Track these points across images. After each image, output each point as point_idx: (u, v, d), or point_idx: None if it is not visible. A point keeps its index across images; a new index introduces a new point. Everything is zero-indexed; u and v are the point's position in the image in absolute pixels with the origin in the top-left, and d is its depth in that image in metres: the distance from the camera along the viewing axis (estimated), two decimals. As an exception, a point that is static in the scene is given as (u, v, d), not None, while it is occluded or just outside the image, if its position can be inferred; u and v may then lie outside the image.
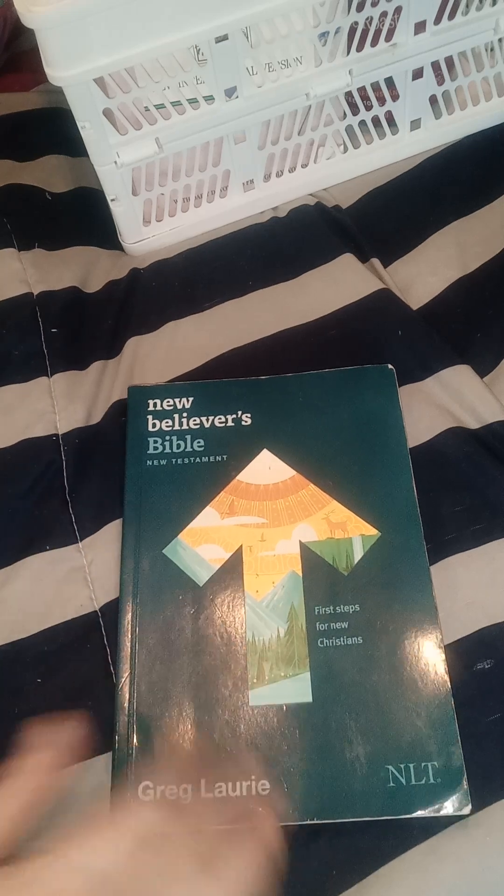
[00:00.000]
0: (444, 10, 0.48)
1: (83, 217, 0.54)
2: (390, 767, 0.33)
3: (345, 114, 0.52)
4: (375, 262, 0.51)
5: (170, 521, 0.40)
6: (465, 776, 0.33)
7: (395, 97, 0.53)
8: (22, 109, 0.60)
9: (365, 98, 0.52)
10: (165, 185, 0.51)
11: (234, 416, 0.43)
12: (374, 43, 0.48)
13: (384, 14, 0.47)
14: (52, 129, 0.58)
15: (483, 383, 0.45)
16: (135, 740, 0.35)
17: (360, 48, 0.48)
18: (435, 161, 0.55)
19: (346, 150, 0.54)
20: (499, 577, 0.38)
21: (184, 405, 0.43)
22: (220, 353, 0.47)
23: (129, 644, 0.37)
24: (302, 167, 0.54)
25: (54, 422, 0.44)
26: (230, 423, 0.42)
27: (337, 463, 0.41)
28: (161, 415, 0.43)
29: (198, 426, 0.42)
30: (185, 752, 0.34)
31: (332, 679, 0.35)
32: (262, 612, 0.37)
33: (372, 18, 0.47)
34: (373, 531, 0.39)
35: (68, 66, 0.42)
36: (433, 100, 0.54)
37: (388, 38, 0.48)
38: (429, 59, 0.51)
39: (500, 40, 0.52)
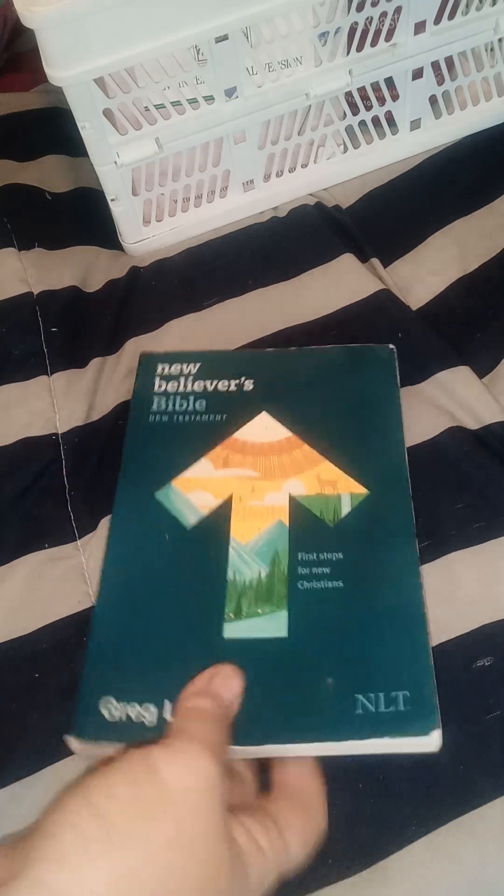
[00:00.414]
0: (444, 10, 0.48)
1: (83, 217, 0.54)
2: (360, 696, 0.33)
3: (345, 114, 0.52)
4: (375, 262, 0.51)
5: (165, 470, 0.40)
6: (437, 702, 0.33)
7: (395, 97, 0.53)
8: (22, 109, 0.61)
9: (365, 98, 0.52)
10: (165, 185, 0.51)
11: (237, 381, 0.44)
12: (374, 43, 0.48)
13: (384, 14, 0.47)
14: (52, 129, 0.58)
15: (482, 384, 0.45)
16: (105, 653, 0.35)
17: (359, 48, 0.48)
18: (435, 161, 0.55)
19: (346, 150, 0.54)
20: (499, 574, 0.38)
21: (190, 370, 0.44)
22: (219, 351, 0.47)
23: (112, 569, 0.38)
24: (302, 167, 0.54)
25: (54, 421, 0.44)
26: (232, 388, 0.43)
27: (332, 429, 0.42)
28: (168, 378, 0.44)
29: (201, 389, 0.44)
30: (153, 672, 0.34)
31: (310, 617, 0.36)
32: (245, 555, 0.38)
33: (372, 18, 0.47)
34: (362, 490, 0.39)
35: (68, 66, 0.42)
36: (433, 100, 0.54)
37: (388, 38, 0.48)
38: (429, 59, 0.51)
39: (500, 40, 0.52)
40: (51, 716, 0.36)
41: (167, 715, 0.33)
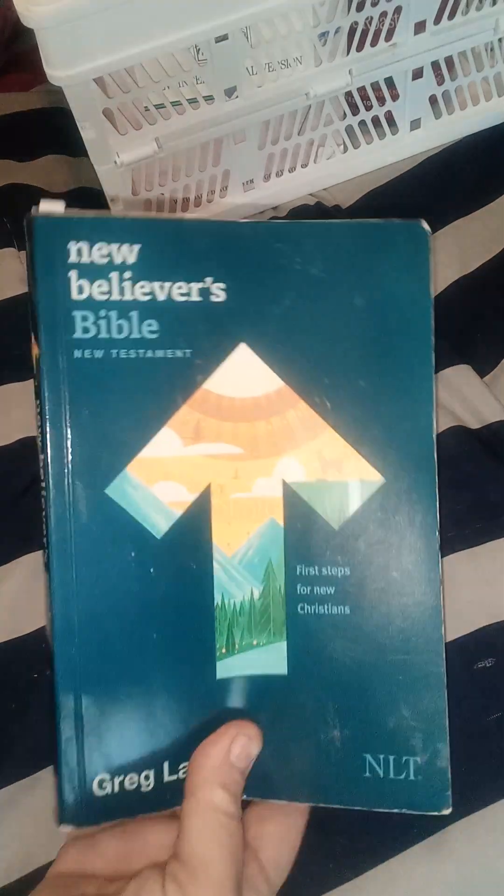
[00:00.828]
0: (444, 9, 0.48)
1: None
2: (368, 756, 0.29)
3: (345, 114, 0.52)
4: (375, 261, 0.51)
5: (112, 447, 0.29)
6: (449, 777, 0.30)
7: (395, 97, 0.53)
8: (22, 109, 0.61)
9: (365, 98, 0.52)
10: (165, 184, 0.51)
11: (202, 284, 0.30)
12: (374, 43, 0.48)
13: (384, 14, 0.47)
14: (52, 129, 0.58)
15: (483, 383, 0.45)
16: (83, 730, 0.29)
17: (359, 48, 0.48)
18: (435, 161, 0.55)
19: (345, 149, 0.54)
20: (500, 575, 0.38)
21: (125, 258, 0.29)
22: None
23: (66, 624, 0.29)
24: (302, 167, 0.54)
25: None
26: (195, 297, 0.30)
27: (338, 372, 0.30)
28: (91, 271, 0.28)
29: (149, 297, 0.29)
30: (144, 735, 0.30)
31: (312, 651, 0.30)
32: (233, 571, 0.30)
33: (372, 18, 0.47)
34: (375, 476, 0.31)
35: (68, 66, 0.42)
36: (433, 100, 0.54)
37: (388, 37, 0.48)
38: (429, 59, 0.51)
39: (500, 40, 0.52)
40: (50, 718, 0.36)
41: (166, 776, 0.30)
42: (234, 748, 0.29)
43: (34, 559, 0.40)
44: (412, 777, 0.29)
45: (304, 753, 0.30)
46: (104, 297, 0.29)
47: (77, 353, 0.29)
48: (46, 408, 0.29)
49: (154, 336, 0.29)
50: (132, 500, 0.29)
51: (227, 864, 0.27)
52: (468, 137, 0.56)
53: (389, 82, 0.51)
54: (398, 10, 0.47)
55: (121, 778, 0.29)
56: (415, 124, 0.55)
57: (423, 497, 0.31)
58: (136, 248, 0.29)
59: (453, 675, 0.36)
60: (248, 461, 0.31)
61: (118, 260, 0.29)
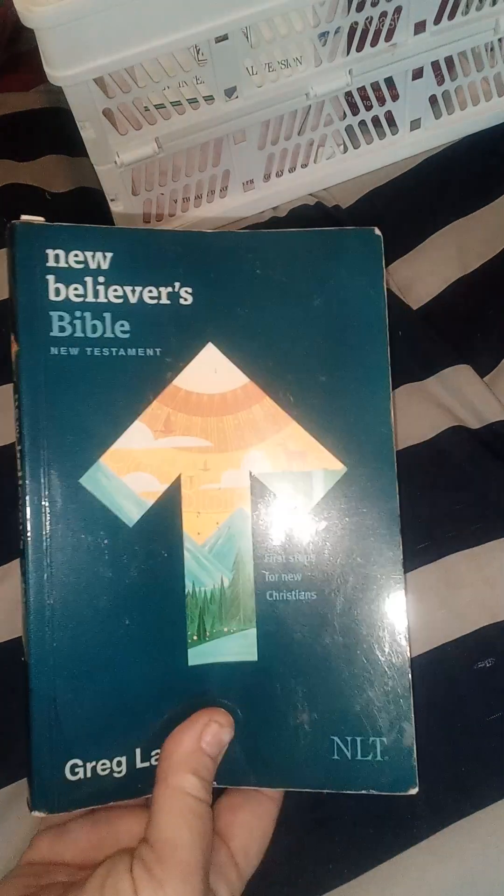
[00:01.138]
0: (444, 9, 0.48)
1: (83, 217, 0.53)
2: (335, 738, 0.30)
3: (345, 114, 0.52)
4: (375, 261, 0.51)
5: (86, 439, 0.30)
6: (415, 756, 0.30)
7: (394, 97, 0.53)
8: (22, 109, 0.61)
9: (365, 98, 0.52)
10: (165, 184, 0.51)
11: (171, 289, 0.32)
12: (374, 43, 0.48)
13: (384, 14, 0.47)
14: (52, 129, 0.58)
15: (483, 383, 0.45)
16: (57, 715, 0.29)
17: (359, 48, 0.48)
18: (435, 161, 0.55)
19: (345, 149, 0.54)
20: (499, 576, 0.38)
21: (99, 264, 0.31)
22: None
23: (40, 609, 0.30)
24: (302, 167, 0.54)
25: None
26: (164, 300, 0.32)
27: (300, 368, 0.32)
28: (67, 275, 0.31)
29: (120, 300, 0.31)
30: (116, 721, 0.30)
31: (281, 637, 0.31)
32: (203, 559, 0.31)
33: (372, 18, 0.47)
34: (338, 465, 0.32)
35: (68, 66, 0.42)
36: (433, 100, 0.54)
37: (388, 38, 0.48)
38: (429, 59, 0.51)
39: (500, 40, 0.52)
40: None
41: (138, 763, 0.30)
42: (205, 735, 0.29)
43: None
44: (379, 757, 0.30)
45: (274, 738, 0.31)
46: (79, 299, 0.31)
47: (53, 350, 0.30)
48: (23, 401, 0.30)
49: (126, 336, 0.31)
50: (105, 490, 0.30)
51: (196, 847, 0.27)
52: (468, 137, 0.56)
53: (389, 82, 0.51)
54: (398, 10, 0.47)
55: (93, 764, 0.29)
56: (415, 124, 0.55)
57: (384, 484, 0.32)
58: (109, 255, 0.31)
59: (453, 675, 0.36)
60: (217, 454, 0.32)
61: (93, 265, 0.31)
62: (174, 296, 0.32)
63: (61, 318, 0.30)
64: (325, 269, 0.33)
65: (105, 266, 0.31)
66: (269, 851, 0.32)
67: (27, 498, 0.30)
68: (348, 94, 0.51)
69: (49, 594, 0.30)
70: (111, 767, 0.30)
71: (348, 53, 0.48)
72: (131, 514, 0.31)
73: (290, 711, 0.31)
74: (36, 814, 0.30)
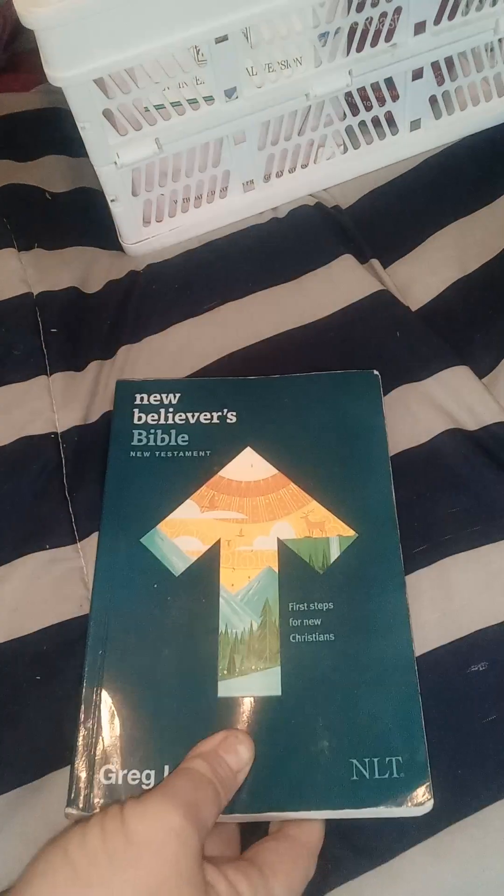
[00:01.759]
0: (443, 10, 0.48)
1: (83, 217, 0.54)
2: (354, 761, 0.33)
3: (345, 114, 0.52)
4: (375, 262, 0.51)
5: (149, 512, 0.40)
6: (429, 772, 0.33)
7: (394, 97, 0.53)
8: (22, 110, 0.61)
9: (365, 98, 0.52)
10: (165, 185, 0.51)
11: (220, 413, 0.43)
12: (374, 43, 0.48)
13: (384, 14, 0.47)
14: (52, 130, 0.58)
15: (482, 384, 0.45)
16: (100, 724, 0.35)
17: (359, 48, 0.48)
18: (435, 161, 0.55)
19: (345, 150, 0.54)
20: (494, 579, 0.38)
21: (170, 401, 0.44)
22: (220, 356, 0.47)
23: (101, 632, 0.37)
24: (302, 168, 0.54)
25: (53, 420, 0.44)
26: (215, 420, 0.43)
27: (318, 464, 0.41)
28: (147, 409, 0.43)
29: (183, 421, 0.43)
30: (150, 738, 0.34)
31: (302, 674, 0.35)
32: (236, 605, 0.37)
33: (372, 19, 0.47)
34: (350, 532, 0.39)
35: (68, 67, 0.42)
36: (433, 100, 0.54)
37: (388, 38, 0.48)
38: (429, 60, 0.51)
39: (500, 40, 0.52)
40: (52, 719, 0.36)
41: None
42: (224, 742, 0.33)
43: (36, 559, 0.40)
44: (395, 774, 0.33)
45: (296, 765, 0.34)
46: (154, 422, 0.43)
47: (133, 454, 0.42)
48: (108, 487, 0.41)
49: (185, 443, 0.42)
50: (159, 548, 0.39)
51: (189, 787, 0.30)
52: (468, 138, 0.56)
53: (389, 83, 0.51)
54: (398, 10, 0.47)
55: (125, 772, 0.34)
56: (415, 125, 0.55)
57: (388, 546, 0.39)
58: (178, 395, 0.44)
59: (448, 678, 0.36)
60: (251, 523, 0.40)
61: (165, 402, 0.44)
62: (222, 417, 0.43)
63: (140, 434, 0.43)
64: (338, 400, 0.43)
65: (174, 401, 0.44)
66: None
67: (100, 551, 0.39)
68: (348, 95, 0.51)
69: (107, 621, 0.37)
70: (140, 778, 0.33)
71: (348, 54, 0.48)
72: (178, 566, 0.38)
73: (312, 740, 0.34)
74: (68, 810, 0.33)
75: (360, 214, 0.54)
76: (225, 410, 0.43)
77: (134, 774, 0.33)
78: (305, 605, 0.37)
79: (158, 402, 0.43)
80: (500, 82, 0.55)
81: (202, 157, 0.50)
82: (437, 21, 0.48)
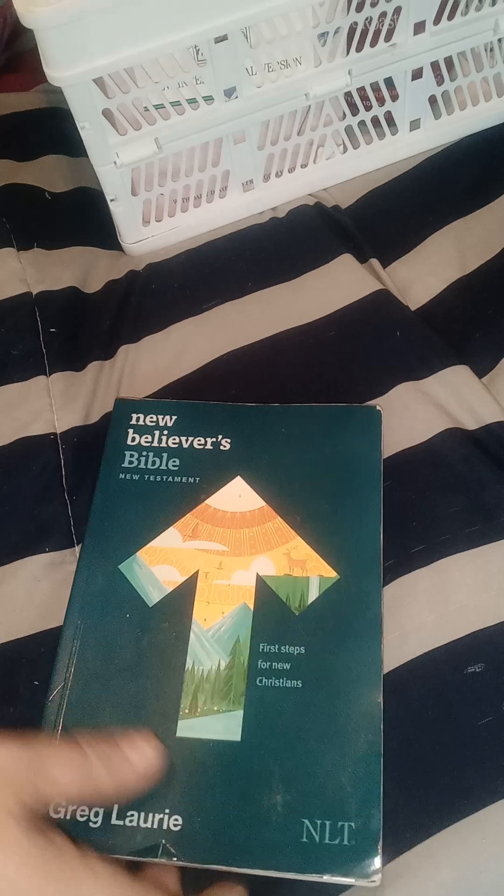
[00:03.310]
0: (443, 10, 0.48)
1: (82, 217, 0.54)
2: (306, 821, 0.32)
3: (344, 114, 0.52)
4: (374, 262, 0.51)
5: (131, 537, 0.39)
6: (381, 844, 0.32)
7: (394, 97, 0.53)
8: (21, 109, 0.61)
9: (364, 98, 0.52)
10: (165, 185, 0.51)
11: (214, 439, 0.42)
12: (374, 43, 0.48)
13: (383, 14, 0.47)
14: (52, 130, 0.58)
15: (482, 383, 0.45)
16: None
17: (359, 48, 0.48)
18: (434, 161, 0.55)
19: (345, 150, 0.54)
20: (492, 580, 0.38)
21: (166, 423, 0.43)
22: (219, 355, 0.47)
23: (66, 656, 0.37)
24: (301, 167, 0.54)
25: (52, 420, 0.44)
26: (208, 446, 0.42)
27: (308, 499, 0.40)
28: (142, 430, 0.43)
29: (176, 445, 0.42)
30: (102, 774, 0.31)
31: (265, 721, 0.34)
32: (206, 642, 0.36)
33: (371, 19, 0.47)
34: (332, 573, 0.38)
35: (68, 67, 0.42)
36: (433, 100, 0.54)
37: (388, 38, 0.48)
38: (428, 60, 0.51)
39: (499, 40, 0.52)
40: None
41: (113, 819, 0.33)
42: (129, 736, 0.32)
43: (35, 562, 0.40)
44: (346, 842, 0.32)
45: (246, 819, 0.33)
46: (147, 444, 0.42)
47: (122, 476, 0.41)
48: (94, 507, 0.40)
49: (175, 468, 0.41)
50: (136, 576, 0.38)
51: (41, 744, 0.30)
52: (468, 138, 0.56)
53: (389, 83, 0.51)
54: (398, 10, 0.47)
55: (73, 808, 0.33)
56: (414, 125, 0.55)
57: (370, 592, 0.37)
58: (175, 417, 0.43)
59: (444, 680, 0.36)
60: (232, 556, 0.39)
61: (161, 423, 0.43)
62: (216, 444, 0.42)
63: (132, 456, 0.42)
64: (335, 431, 0.42)
65: (170, 424, 0.43)
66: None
67: (78, 572, 0.39)
68: (348, 95, 0.51)
69: (75, 647, 0.37)
70: (89, 816, 0.33)
71: (348, 54, 0.48)
72: (153, 596, 0.38)
73: (266, 792, 0.33)
74: None
75: (359, 214, 0.54)
76: (220, 437, 0.42)
77: (83, 811, 0.33)
78: (277, 647, 0.36)
79: (154, 424, 0.43)
80: (500, 82, 0.55)
81: (202, 157, 0.50)
82: (437, 21, 0.48)
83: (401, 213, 0.53)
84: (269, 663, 0.36)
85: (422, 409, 0.44)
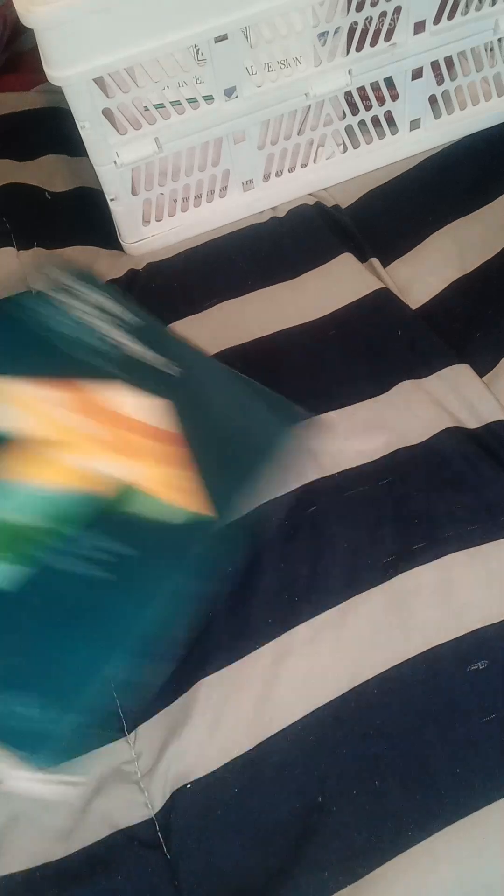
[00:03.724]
0: (443, 10, 0.48)
1: (82, 217, 0.54)
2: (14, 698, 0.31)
3: (344, 114, 0.52)
4: (375, 261, 0.51)
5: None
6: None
7: (394, 97, 0.53)
8: (21, 109, 0.61)
9: (364, 98, 0.52)
10: (165, 184, 0.51)
11: (165, 362, 0.40)
12: (374, 43, 0.48)
13: (384, 14, 0.47)
14: (52, 129, 0.58)
15: (482, 382, 0.45)
16: None
17: (359, 48, 0.48)
18: (434, 161, 0.55)
19: (345, 149, 0.54)
20: (494, 577, 0.38)
21: (127, 321, 0.40)
22: (219, 350, 0.47)
23: None
24: (301, 167, 0.54)
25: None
26: (152, 363, 0.39)
27: (215, 455, 0.38)
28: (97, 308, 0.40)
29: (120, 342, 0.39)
30: None
31: (40, 592, 0.33)
32: (21, 495, 0.34)
33: (371, 18, 0.47)
34: (206, 512, 0.35)
35: (68, 66, 0.42)
36: (433, 100, 0.54)
37: (388, 37, 0.48)
38: (428, 59, 0.51)
39: (499, 40, 0.52)
40: None
41: None
42: None
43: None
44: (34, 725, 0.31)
45: None
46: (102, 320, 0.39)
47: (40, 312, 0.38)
48: None
49: (104, 349, 0.38)
50: None
51: None
52: (468, 137, 0.56)
53: (389, 82, 0.51)
54: (398, 10, 0.47)
55: None
56: (414, 124, 0.55)
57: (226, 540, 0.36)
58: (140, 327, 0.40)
59: (447, 677, 0.36)
60: (105, 449, 0.35)
61: (121, 316, 0.40)
62: (165, 365, 0.39)
63: (79, 316, 0.38)
64: (268, 414, 0.40)
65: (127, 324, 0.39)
66: (264, 860, 0.32)
67: None
68: (348, 94, 0.51)
69: None
70: None
71: (348, 53, 0.48)
72: None
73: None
74: None
75: (359, 214, 0.54)
76: (172, 363, 0.39)
77: None
78: (108, 540, 0.34)
79: (115, 310, 0.40)
80: (500, 82, 0.55)
81: (202, 157, 0.50)
82: (437, 21, 0.49)
83: (401, 212, 0.53)
84: (75, 546, 0.34)
85: (422, 408, 0.44)
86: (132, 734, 0.35)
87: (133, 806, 0.34)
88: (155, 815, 0.34)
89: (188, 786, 0.34)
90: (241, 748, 0.34)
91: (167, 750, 0.34)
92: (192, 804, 0.34)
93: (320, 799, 0.33)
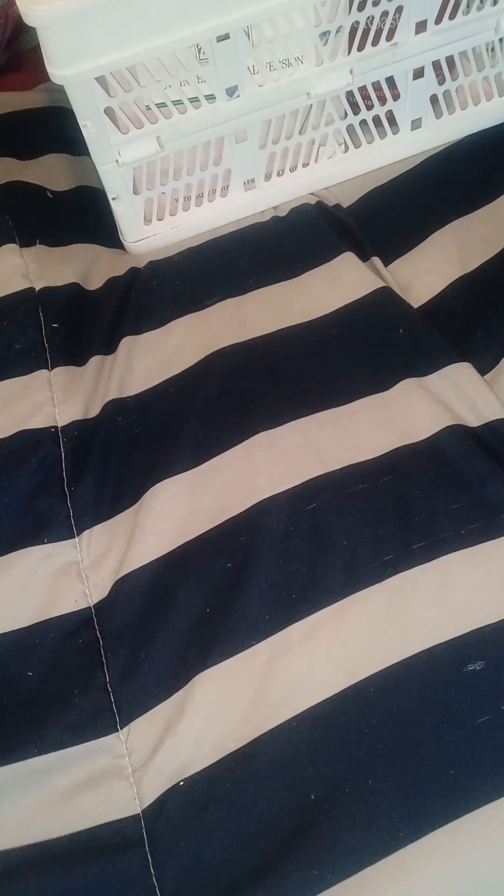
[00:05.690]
0: (444, 9, 0.48)
1: (84, 215, 0.54)
2: None
3: (346, 113, 0.52)
4: (376, 260, 0.51)
5: None
6: None
7: (395, 96, 0.53)
8: (23, 108, 0.61)
9: (366, 97, 0.52)
10: (166, 183, 0.51)
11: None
12: (376, 42, 0.48)
13: (385, 13, 0.47)
14: (54, 128, 0.58)
15: (484, 381, 0.45)
16: None
17: (361, 47, 0.48)
18: (436, 160, 0.55)
19: (346, 149, 0.55)
20: (493, 577, 0.38)
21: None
22: (220, 347, 0.47)
23: None
24: (303, 166, 0.54)
25: (53, 414, 0.44)
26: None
27: None
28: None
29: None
30: None
31: None
32: None
33: (373, 18, 0.47)
34: None
35: (70, 65, 0.42)
36: (434, 99, 0.54)
37: (390, 37, 0.48)
38: (430, 59, 0.51)
39: (500, 40, 0.52)
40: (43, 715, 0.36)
41: None
42: None
43: (33, 553, 0.40)
44: None
45: None
46: None
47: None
48: None
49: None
50: None
51: None
52: (469, 137, 0.56)
53: (390, 82, 0.51)
54: (399, 9, 0.47)
55: None
56: (416, 124, 0.55)
57: None
58: None
59: (443, 677, 0.36)
60: None
61: None
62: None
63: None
64: None
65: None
66: (254, 857, 0.32)
67: None
68: (349, 94, 0.52)
69: None
70: None
71: (349, 53, 0.48)
72: None
73: None
74: None
75: (361, 213, 0.54)
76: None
77: None
78: None
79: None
80: (501, 82, 0.55)
81: (203, 156, 0.50)
82: (438, 20, 0.49)
83: (402, 211, 0.53)
84: None
85: (424, 406, 0.44)
86: (125, 729, 0.35)
87: (121, 801, 0.34)
88: (142, 811, 0.34)
89: (181, 783, 0.34)
90: (236, 744, 0.34)
91: (161, 746, 0.34)
92: (184, 801, 0.33)
93: (313, 797, 0.33)
